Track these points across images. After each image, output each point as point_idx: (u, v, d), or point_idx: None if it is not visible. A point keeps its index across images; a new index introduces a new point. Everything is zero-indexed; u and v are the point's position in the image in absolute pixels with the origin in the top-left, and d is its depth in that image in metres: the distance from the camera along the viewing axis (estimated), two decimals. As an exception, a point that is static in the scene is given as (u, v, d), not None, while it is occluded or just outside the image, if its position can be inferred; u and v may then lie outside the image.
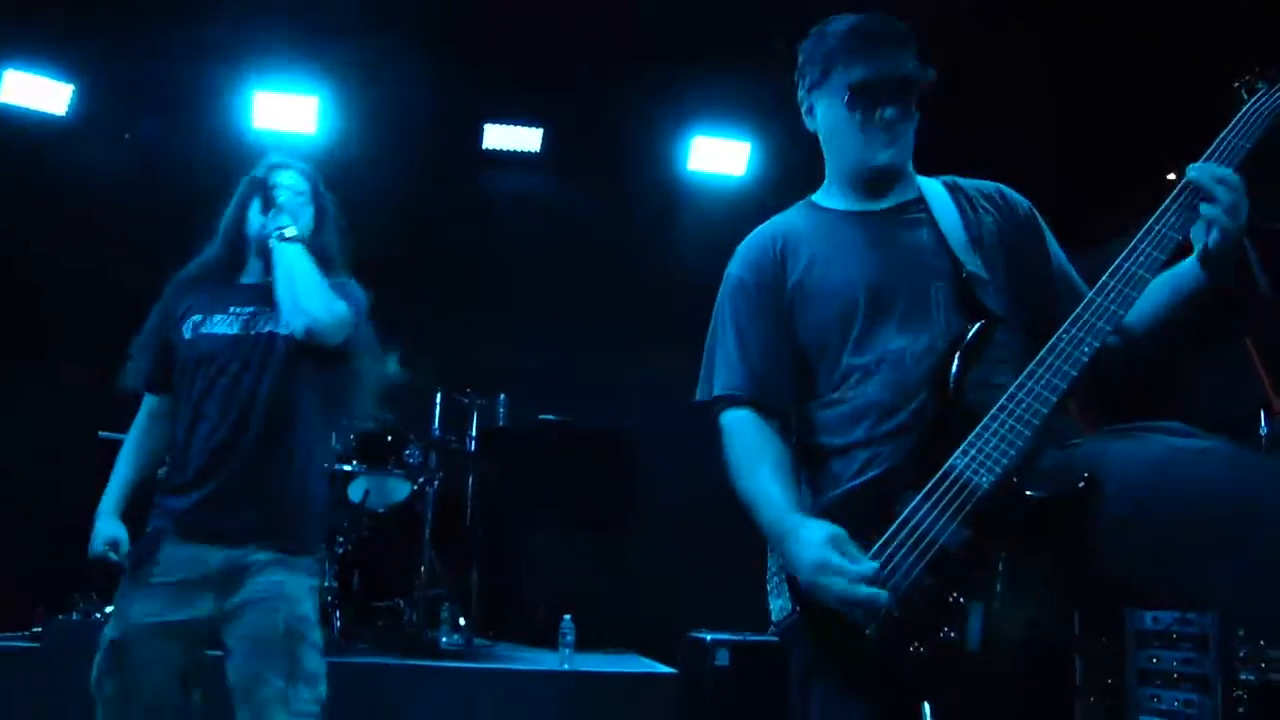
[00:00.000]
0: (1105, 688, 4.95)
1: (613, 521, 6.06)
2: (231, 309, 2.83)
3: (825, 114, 2.12)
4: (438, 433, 5.48)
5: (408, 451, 5.15)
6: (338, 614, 4.83)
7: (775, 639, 4.69)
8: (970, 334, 1.89)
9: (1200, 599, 1.85)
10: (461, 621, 5.03)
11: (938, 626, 1.68)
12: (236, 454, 2.69)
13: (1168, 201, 1.82)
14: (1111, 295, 1.78)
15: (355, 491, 5.10)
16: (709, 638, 4.67)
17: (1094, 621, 4.98)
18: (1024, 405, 1.74)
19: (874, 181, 2.10)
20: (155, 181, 6.54)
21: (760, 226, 2.21)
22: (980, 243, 2.04)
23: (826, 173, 2.21)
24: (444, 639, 4.92)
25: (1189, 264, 1.83)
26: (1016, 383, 1.77)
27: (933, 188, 2.13)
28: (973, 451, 1.74)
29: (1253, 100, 1.85)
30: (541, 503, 6.08)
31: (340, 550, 5.03)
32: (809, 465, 2.03)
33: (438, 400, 5.57)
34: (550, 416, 6.30)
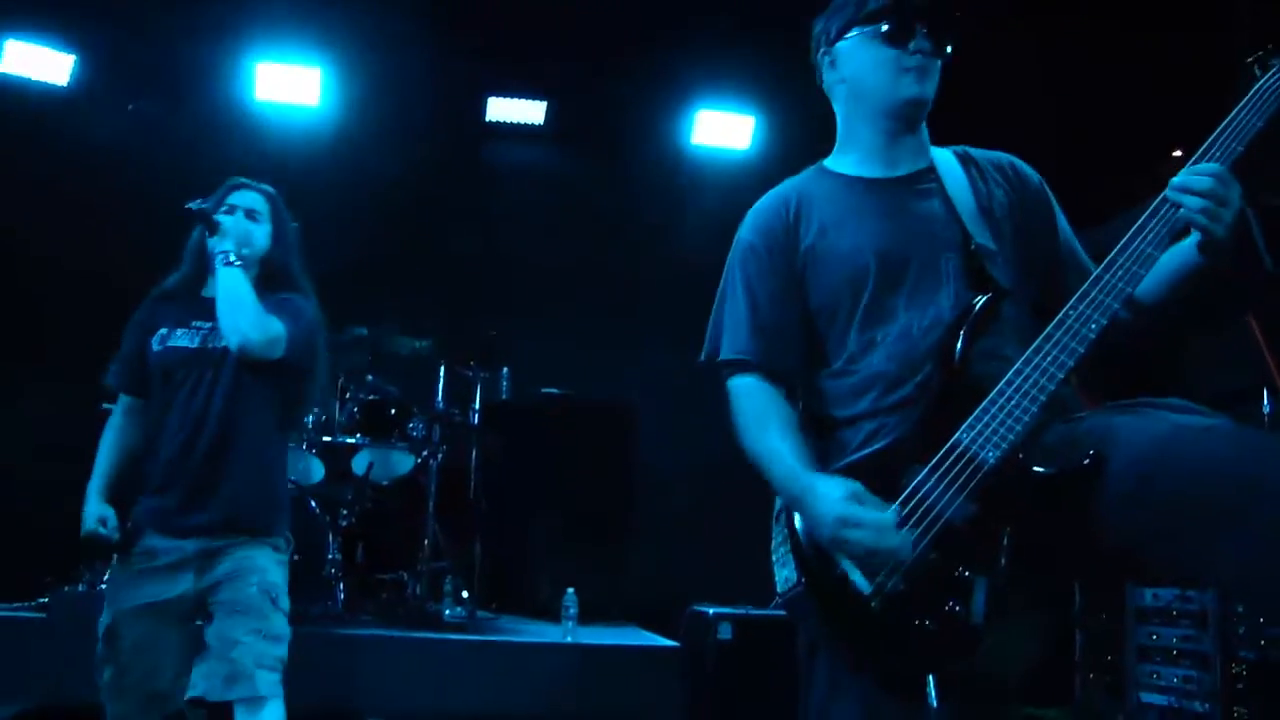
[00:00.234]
0: (1105, 663, 4.98)
1: (615, 495, 6.06)
2: (194, 323, 3.10)
3: (852, 58, 2.09)
4: (441, 406, 5.48)
5: (411, 425, 5.16)
6: (341, 586, 4.84)
7: (778, 612, 4.72)
8: (977, 306, 1.89)
9: (1202, 576, 1.84)
10: (464, 594, 5.04)
11: (943, 600, 1.69)
12: (193, 461, 2.98)
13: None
14: (1120, 272, 1.77)
15: (359, 464, 5.10)
16: (711, 611, 4.68)
17: (1095, 598, 5.02)
18: (1031, 381, 1.75)
19: (901, 120, 2.08)
20: (157, 152, 6.52)
21: (772, 190, 2.20)
22: (990, 214, 2.04)
23: (840, 136, 2.20)
24: (447, 611, 4.93)
25: (1192, 242, 1.83)
26: (1024, 358, 1.77)
27: (945, 158, 2.12)
28: (979, 426, 1.75)
29: (1266, 77, 1.83)
30: (544, 476, 6.08)
31: (344, 523, 5.04)
32: (816, 435, 2.03)
33: (441, 373, 5.56)
34: (553, 390, 6.30)
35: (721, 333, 2.10)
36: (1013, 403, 1.74)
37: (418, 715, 4.20)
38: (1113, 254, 1.79)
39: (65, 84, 6.56)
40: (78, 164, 6.44)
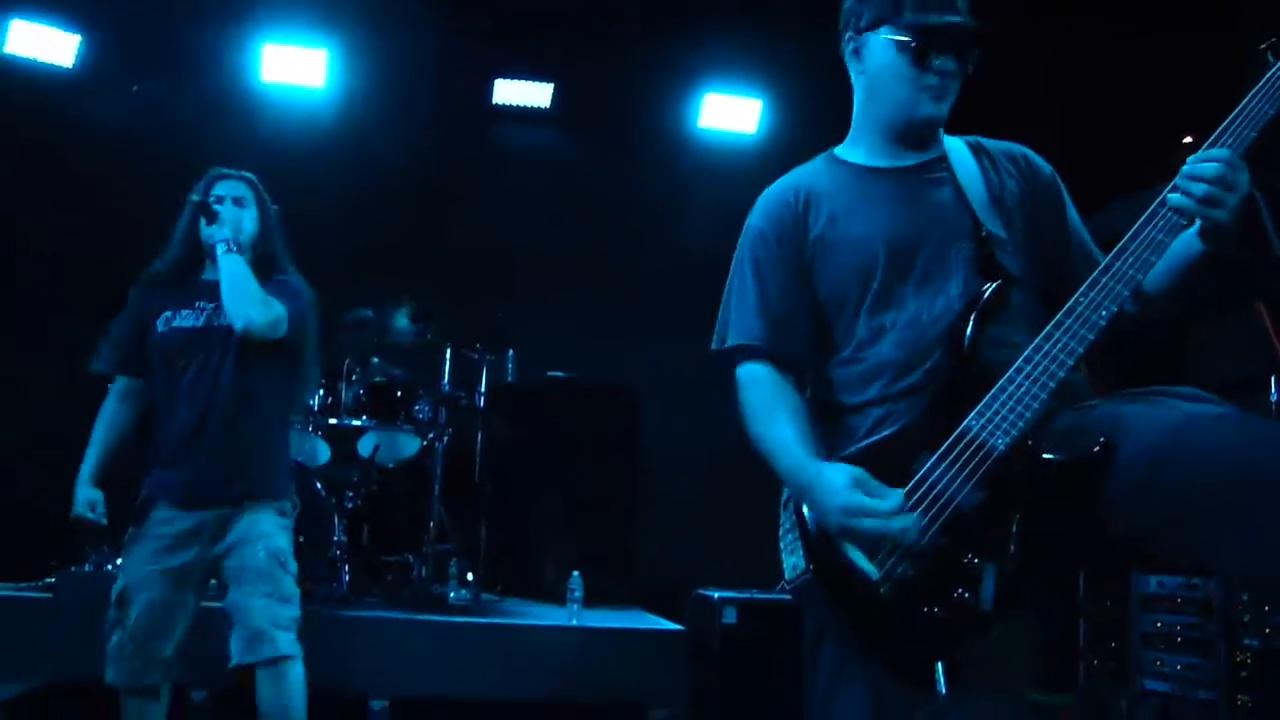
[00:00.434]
0: (1109, 650, 4.99)
1: (620, 478, 6.07)
2: (197, 304, 3.28)
3: (875, 57, 2.07)
4: (447, 388, 5.48)
5: (417, 407, 5.16)
6: (346, 568, 4.85)
7: (783, 596, 4.73)
8: (987, 293, 1.88)
9: (1211, 565, 1.84)
10: (470, 577, 5.06)
11: (952, 587, 1.69)
12: (207, 435, 3.17)
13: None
14: (1131, 259, 1.76)
15: (365, 447, 5.11)
16: (716, 595, 4.68)
17: (1099, 585, 5.02)
18: (1040, 368, 1.74)
19: (910, 134, 2.07)
20: (163, 133, 6.51)
21: (782, 178, 2.19)
22: (1001, 203, 2.03)
23: (855, 123, 2.18)
24: (452, 594, 4.95)
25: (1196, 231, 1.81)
26: (1033, 345, 1.76)
27: (956, 147, 2.11)
28: (988, 414, 1.74)
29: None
30: (550, 459, 6.08)
31: (349, 505, 5.05)
32: (824, 422, 2.03)
33: (447, 356, 5.55)
34: (558, 373, 6.30)
35: (730, 320, 2.10)
36: (1022, 389, 1.74)
37: (422, 697, 4.21)
38: (1124, 240, 1.78)
39: (71, 65, 6.54)
40: (83, 145, 6.43)
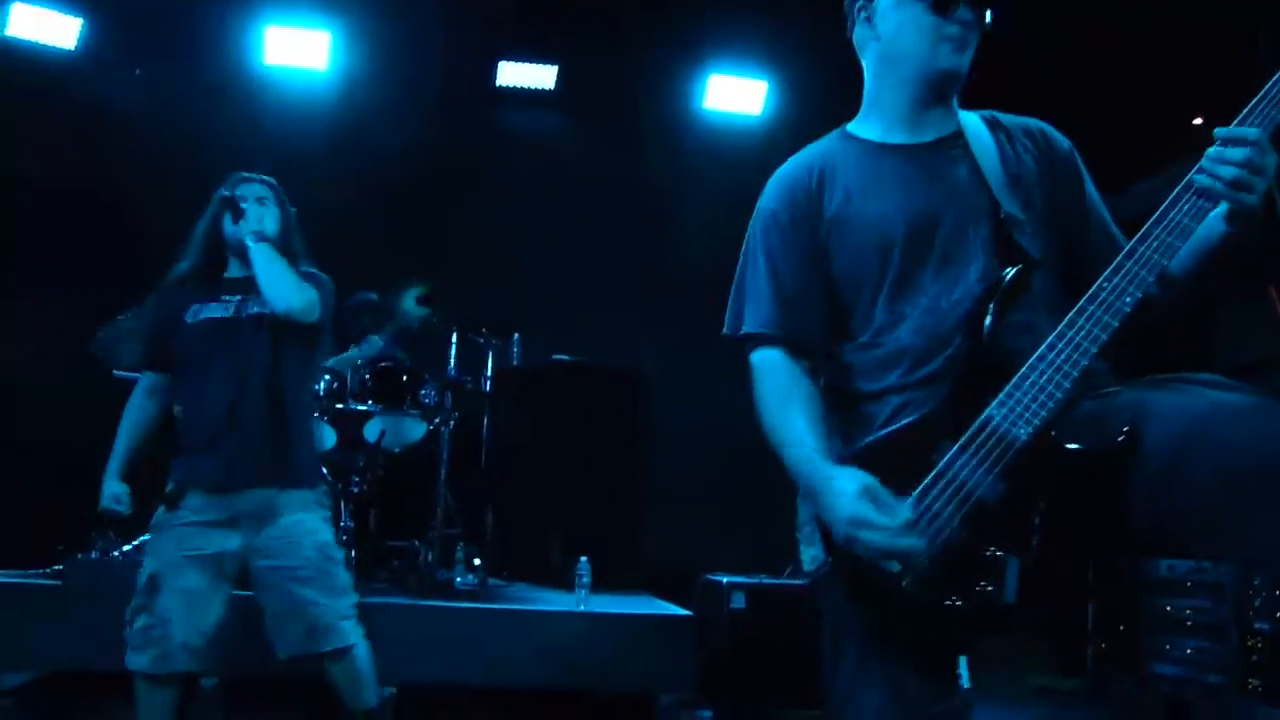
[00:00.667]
0: (1117, 634, 4.97)
1: (627, 462, 6.04)
2: (223, 297, 3.39)
3: (891, 16, 2.01)
4: (454, 373, 5.46)
5: (423, 392, 5.13)
6: (353, 553, 4.83)
7: (792, 581, 4.72)
8: (1007, 278, 1.85)
9: (1239, 554, 1.81)
10: (476, 562, 5.04)
11: (974, 579, 1.66)
12: (239, 415, 3.24)
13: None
14: (1155, 244, 1.73)
15: (371, 431, 5.09)
16: (725, 580, 4.67)
17: (1108, 569, 5.00)
18: (1063, 355, 1.71)
19: (931, 92, 2.02)
20: (165, 116, 6.48)
21: (793, 157, 2.14)
22: (1019, 181, 1.98)
23: (867, 98, 2.13)
24: (459, 579, 4.93)
25: (1221, 211, 1.77)
26: (1056, 332, 1.73)
27: (973, 123, 2.06)
28: (1010, 403, 1.71)
29: None
30: (556, 443, 6.06)
31: (356, 490, 5.03)
32: (839, 409, 1.99)
33: (453, 340, 5.53)
34: (564, 356, 6.27)
35: (744, 305, 2.06)
36: (1045, 378, 1.70)
37: (430, 684, 4.20)
38: (1148, 225, 1.75)
39: (72, 48, 6.51)
40: (86, 128, 6.39)
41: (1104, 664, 5.00)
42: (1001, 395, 1.72)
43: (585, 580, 4.71)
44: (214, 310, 3.35)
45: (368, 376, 5.02)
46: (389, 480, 5.29)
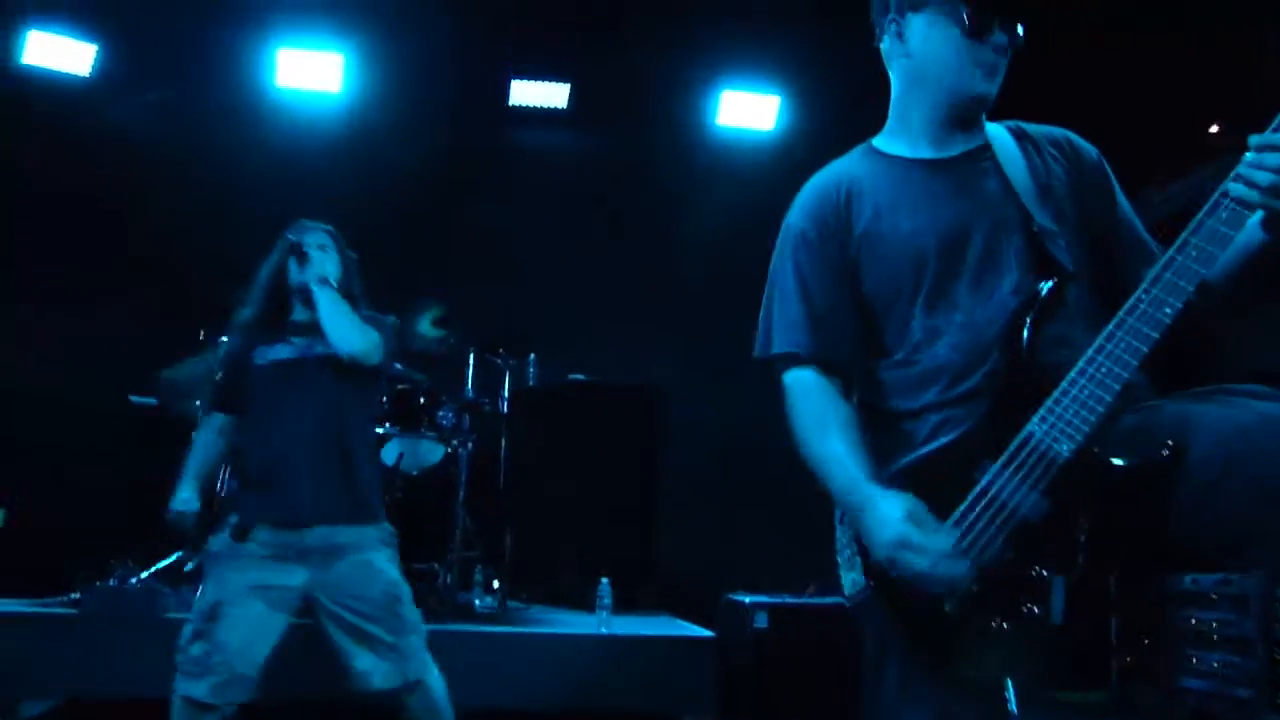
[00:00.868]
0: (1142, 648, 4.91)
1: (646, 481, 6.01)
2: (290, 339, 3.48)
3: (923, 34, 1.98)
4: (471, 394, 5.43)
5: (441, 414, 5.11)
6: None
7: (815, 600, 4.67)
8: (1043, 292, 1.81)
9: (1276, 567, 1.78)
10: (495, 584, 5.01)
11: (1019, 600, 1.62)
12: (307, 453, 3.31)
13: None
14: (1194, 253, 1.69)
15: (389, 454, 5.07)
16: (747, 600, 4.63)
17: (1132, 581, 4.94)
18: (1103, 369, 1.67)
19: (960, 114, 1.99)
20: (180, 141, 6.50)
21: (819, 173, 2.11)
22: (1050, 193, 1.95)
23: (894, 113, 2.10)
24: (478, 602, 4.90)
25: (1259, 219, 1.74)
26: (1095, 345, 1.70)
27: (999, 134, 2.03)
28: (1051, 419, 1.68)
29: None
30: (573, 462, 6.03)
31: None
32: (874, 428, 1.95)
33: (470, 362, 5.51)
34: (580, 376, 6.24)
35: (774, 326, 2.02)
36: (1086, 392, 1.67)
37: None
38: (1185, 233, 1.71)
39: (88, 74, 6.54)
40: (101, 154, 6.41)
41: (1129, 678, 4.93)
42: (1042, 411, 1.69)
43: (606, 601, 4.67)
44: (281, 352, 3.45)
45: (385, 399, 5.00)
46: (407, 503, 5.26)
